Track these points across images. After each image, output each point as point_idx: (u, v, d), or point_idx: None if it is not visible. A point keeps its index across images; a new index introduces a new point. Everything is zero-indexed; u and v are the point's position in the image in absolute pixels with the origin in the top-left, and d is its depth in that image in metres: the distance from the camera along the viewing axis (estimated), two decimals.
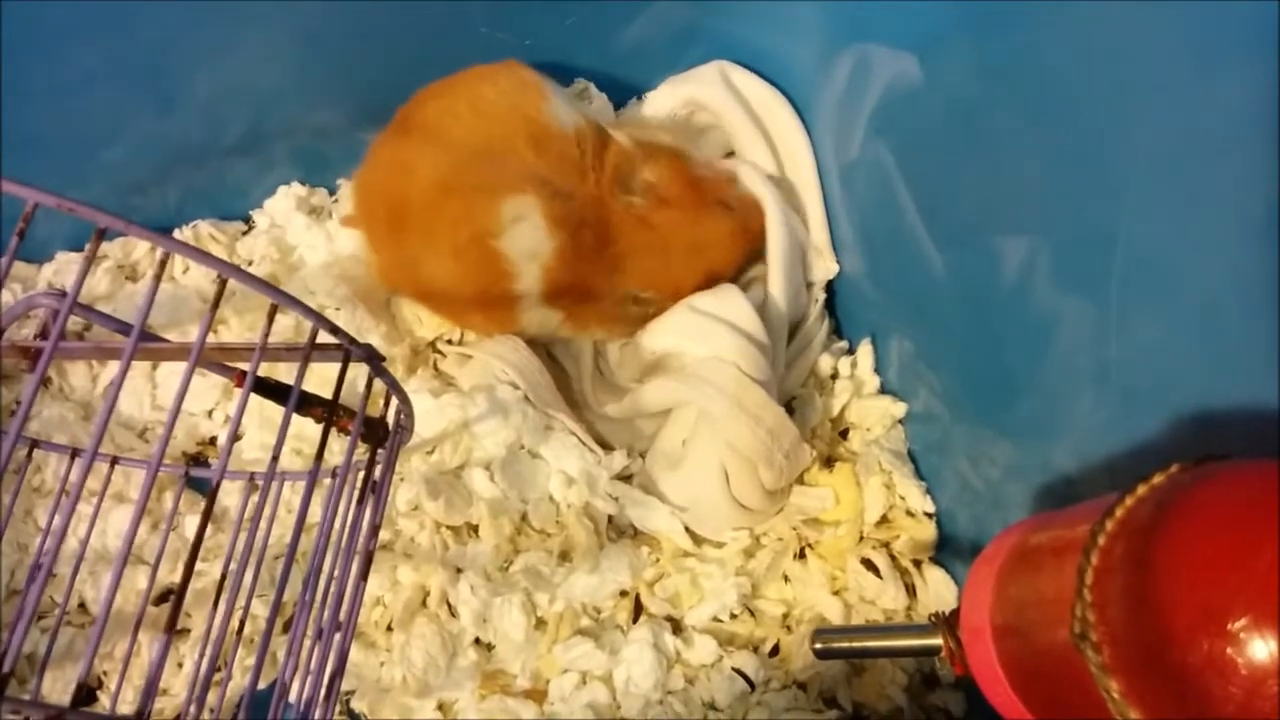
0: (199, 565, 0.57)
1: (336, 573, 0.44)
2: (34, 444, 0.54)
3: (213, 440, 0.61)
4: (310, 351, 0.39)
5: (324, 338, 0.39)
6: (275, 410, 0.59)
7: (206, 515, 0.36)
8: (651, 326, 0.59)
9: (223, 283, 0.36)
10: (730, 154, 0.66)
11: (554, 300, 0.56)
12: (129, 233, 0.33)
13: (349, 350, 0.40)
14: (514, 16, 0.62)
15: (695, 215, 0.57)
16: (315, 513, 0.57)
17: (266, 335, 0.37)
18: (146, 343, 0.43)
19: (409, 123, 0.57)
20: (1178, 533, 0.27)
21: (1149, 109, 0.36)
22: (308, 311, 0.37)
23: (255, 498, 0.57)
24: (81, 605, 0.56)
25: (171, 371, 0.61)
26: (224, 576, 0.52)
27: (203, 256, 0.34)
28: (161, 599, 0.57)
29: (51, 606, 0.55)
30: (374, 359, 0.41)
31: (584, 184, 0.55)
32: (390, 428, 0.46)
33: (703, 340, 0.56)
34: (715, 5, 0.64)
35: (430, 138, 0.55)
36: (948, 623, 0.39)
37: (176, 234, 0.66)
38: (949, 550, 0.56)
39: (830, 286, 0.65)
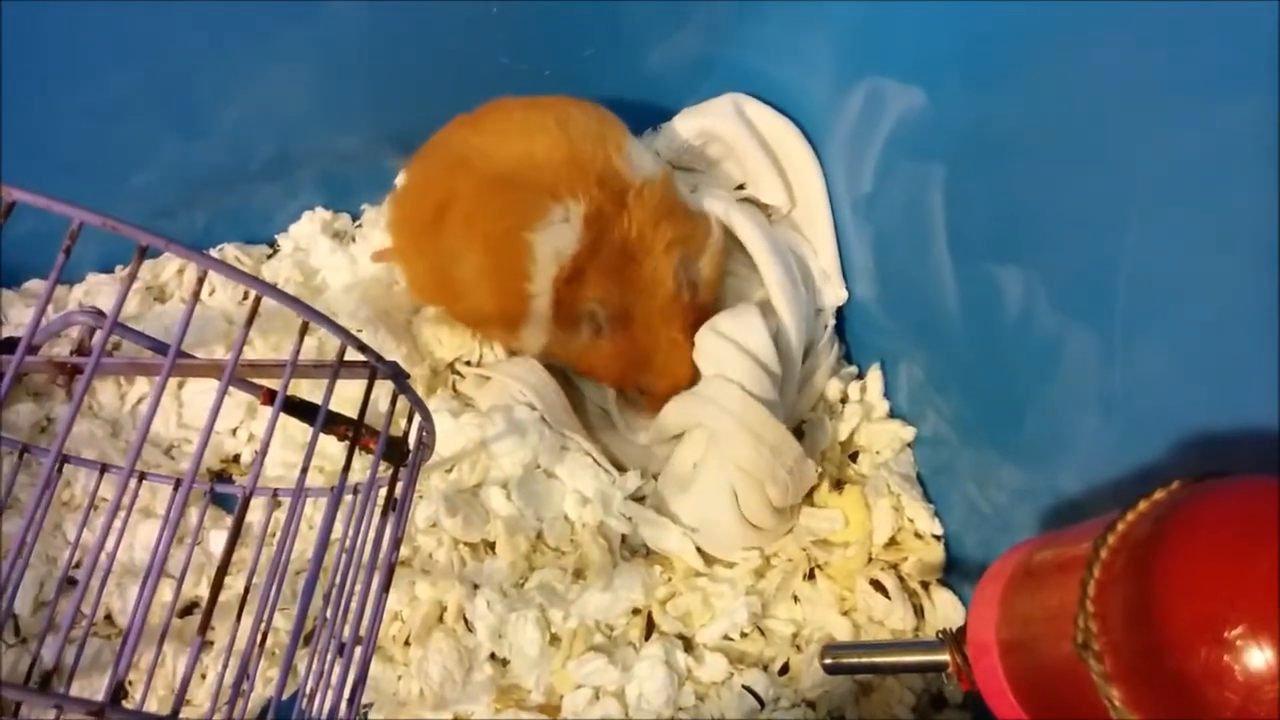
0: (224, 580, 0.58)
1: (358, 588, 0.45)
2: (64, 459, 0.56)
3: (236, 458, 0.62)
4: (339, 368, 0.40)
5: (351, 355, 0.40)
6: (297, 428, 0.60)
7: (237, 528, 0.37)
8: None
9: (257, 300, 0.37)
10: (741, 185, 0.68)
11: (555, 311, 0.58)
12: (169, 250, 0.35)
13: (375, 367, 0.41)
14: (534, 47, 0.64)
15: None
16: (336, 529, 0.58)
17: (298, 351, 0.39)
18: (182, 359, 0.44)
19: (478, 126, 0.59)
20: (1177, 545, 0.28)
21: (1152, 137, 0.38)
22: (336, 329, 0.39)
23: (277, 514, 0.58)
24: (108, 617, 0.57)
25: (197, 391, 0.62)
26: (247, 590, 0.53)
27: (239, 275, 0.36)
28: (186, 611, 0.58)
29: (79, 618, 0.56)
30: (400, 376, 0.43)
31: (625, 216, 0.57)
32: (413, 445, 0.47)
33: (713, 360, 0.58)
34: (730, 38, 0.66)
35: (500, 141, 0.57)
36: (955, 639, 0.39)
37: None
38: (957, 572, 0.57)
39: (841, 313, 0.66)
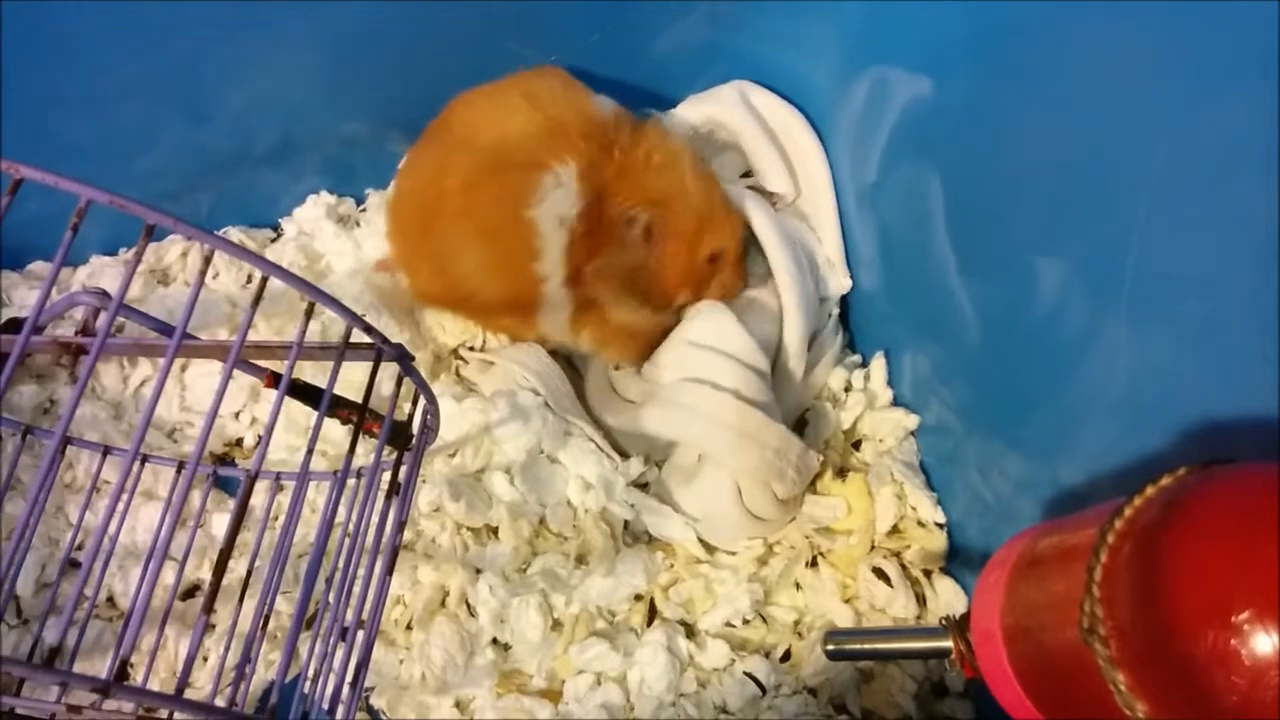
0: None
1: (361, 571, 0.45)
2: (66, 441, 0.56)
3: (239, 441, 0.62)
4: (345, 350, 0.40)
5: (357, 337, 0.40)
6: (300, 411, 0.60)
7: (240, 511, 0.37)
8: (653, 358, 0.60)
9: (263, 281, 0.37)
10: (747, 173, 0.68)
11: (570, 283, 0.57)
12: (176, 229, 0.35)
13: (381, 349, 0.41)
14: (540, 33, 0.64)
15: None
16: (339, 513, 0.58)
17: (303, 333, 0.38)
18: (186, 340, 0.44)
19: (448, 124, 0.59)
20: (1184, 531, 0.28)
21: (1161, 128, 0.37)
22: (342, 309, 0.38)
23: (280, 497, 0.58)
24: (110, 599, 0.57)
25: (200, 374, 0.62)
26: (250, 573, 0.53)
27: (244, 254, 0.36)
28: (188, 594, 0.58)
29: (82, 600, 0.56)
30: (405, 358, 0.43)
31: (611, 157, 0.57)
32: (417, 429, 0.47)
33: (699, 369, 0.57)
34: (736, 26, 0.66)
35: (473, 131, 0.57)
36: (958, 626, 0.40)
37: None
38: (959, 560, 0.57)
39: (845, 301, 0.66)
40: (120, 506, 0.56)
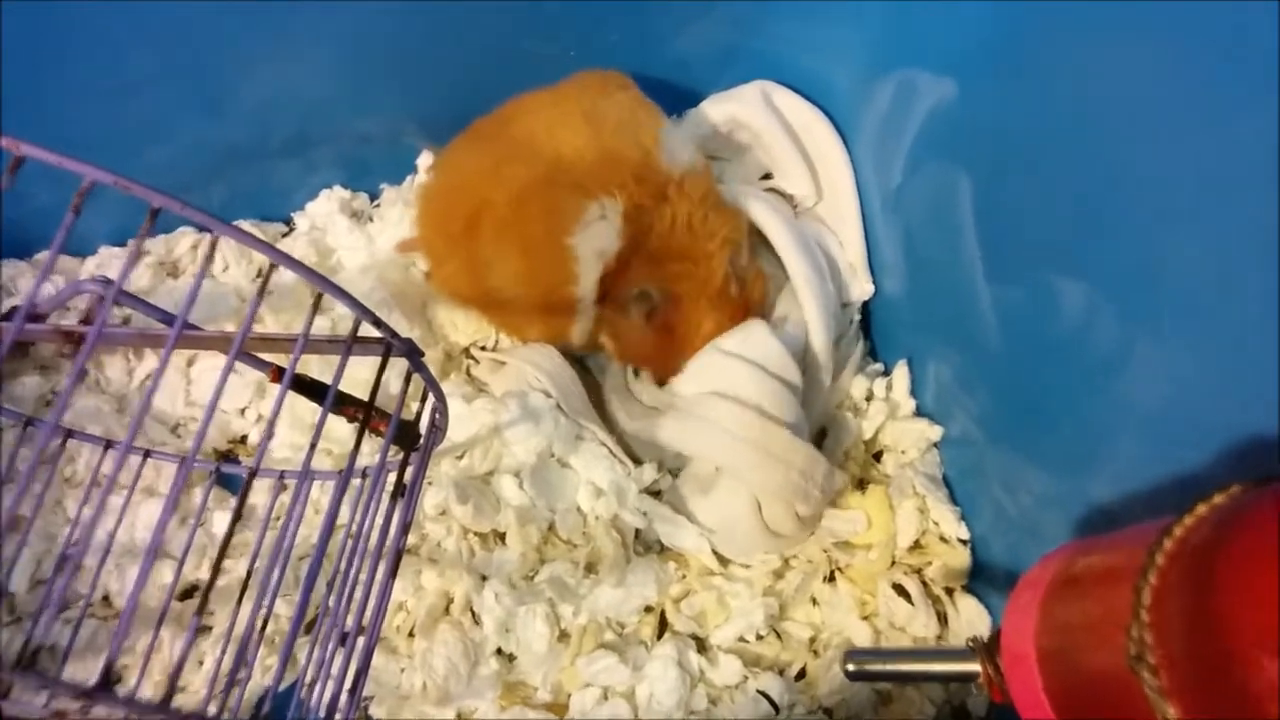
0: (225, 563, 0.56)
1: (363, 575, 0.43)
2: (68, 434, 0.55)
3: (244, 439, 0.61)
4: (352, 343, 0.39)
5: (366, 331, 0.39)
6: (305, 408, 0.59)
7: (239, 509, 0.36)
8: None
9: (270, 269, 0.36)
10: (767, 175, 0.66)
11: (600, 302, 0.57)
12: (183, 212, 0.33)
13: (390, 344, 0.40)
14: (558, 30, 0.63)
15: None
16: (342, 514, 0.56)
17: (310, 324, 0.37)
18: (189, 331, 0.43)
19: (507, 127, 0.57)
20: (1239, 551, 0.26)
21: (1199, 137, 0.36)
22: (351, 301, 0.37)
23: (283, 497, 0.57)
24: (106, 598, 0.56)
25: (206, 368, 0.61)
26: (249, 574, 0.52)
27: (254, 241, 0.34)
28: (186, 595, 0.56)
29: (76, 598, 0.55)
30: (414, 354, 0.41)
31: (664, 207, 0.56)
32: (425, 428, 0.46)
33: (724, 382, 0.55)
34: (757, 27, 0.65)
35: (531, 143, 0.56)
36: (986, 649, 0.38)
37: None
38: (982, 578, 0.55)
39: (866, 308, 0.64)
40: (119, 502, 0.55)
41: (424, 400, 0.45)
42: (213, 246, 0.35)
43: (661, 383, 0.60)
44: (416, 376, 0.42)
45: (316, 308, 0.37)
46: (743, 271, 0.58)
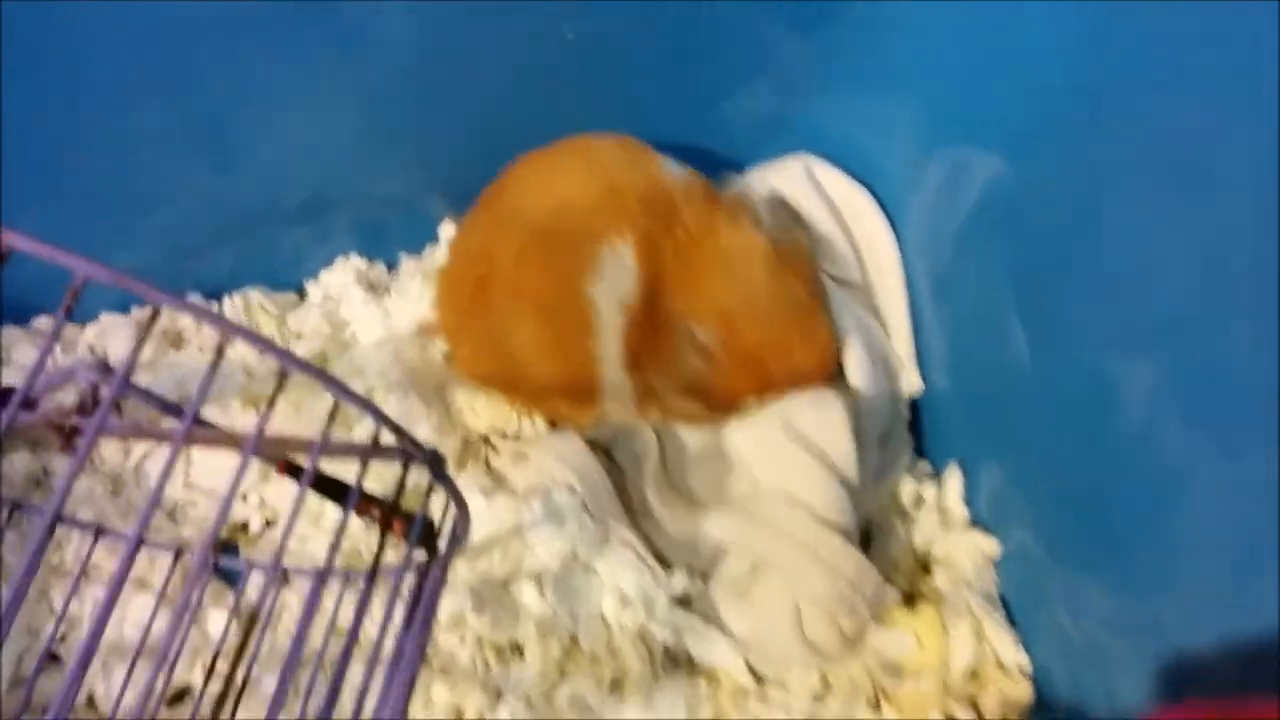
0: (217, 666, 0.52)
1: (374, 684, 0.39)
2: (58, 518, 0.50)
3: (245, 526, 0.57)
4: (371, 453, 0.35)
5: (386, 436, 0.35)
6: (311, 497, 0.55)
7: (250, 624, 0.32)
8: (735, 426, 0.54)
9: (282, 375, 0.32)
10: None
11: (630, 367, 0.53)
12: (190, 314, 0.30)
13: (410, 454, 0.36)
14: (593, 93, 0.60)
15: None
16: (343, 614, 0.52)
17: (327, 433, 0.34)
18: (196, 428, 0.39)
19: (502, 190, 0.55)
20: None
21: (1262, 226, 0.34)
22: (372, 410, 0.34)
23: (287, 594, 0.53)
24: (90, 700, 0.51)
25: (208, 450, 0.57)
26: (246, 681, 0.48)
27: (264, 344, 0.31)
28: (177, 698, 0.52)
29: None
30: (437, 465, 0.37)
31: (672, 235, 0.52)
32: (446, 541, 0.42)
33: (779, 467, 0.51)
34: (804, 98, 0.62)
35: (527, 199, 0.53)
36: None
37: (227, 301, 0.63)
38: (1043, 712, 0.50)
39: (913, 404, 0.60)
40: (101, 594, 0.51)
41: (445, 511, 0.41)
42: (220, 352, 0.32)
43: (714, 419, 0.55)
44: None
45: (334, 416, 0.34)
46: (777, 232, 0.54)
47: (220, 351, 0.32)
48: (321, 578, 0.42)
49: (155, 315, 0.31)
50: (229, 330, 0.31)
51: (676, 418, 0.56)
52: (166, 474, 0.31)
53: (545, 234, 0.51)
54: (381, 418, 0.34)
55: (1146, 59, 0.40)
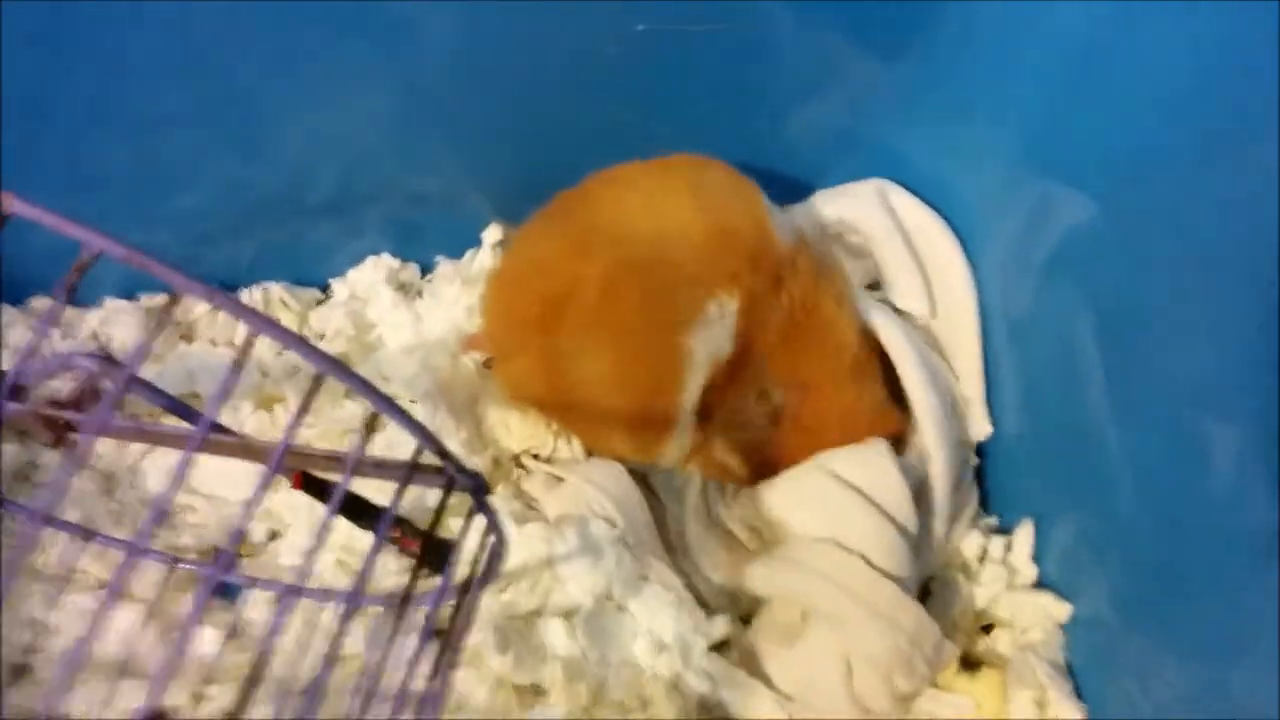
0: (208, 689, 0.48)
1: None
2: (44, 520, 0.46)
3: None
4: (411, 475, 0.31)
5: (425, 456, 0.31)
6: (317, 506, 0.50)
7: (262, 664, 0.28)
8: (775, 482, 0.51)
9: (318, 380, 0.28)
10: (874, 284, 0.58)
11: (701, 412, 0.50)
12: (212, 302, 0.26)
13: (454, 478, 0.32)
14: (652, 101, 0.56)
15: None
16: (354, 647, 0.48)
17: (362, 450, 0.29)
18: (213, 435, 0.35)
19: (594, 201, 0.50)
20: None
21: None
22: (415, 427, 0.29)
23: (290, 616, 0.48)
24: None
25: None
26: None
27: (299, 343, 0.27)
28: None
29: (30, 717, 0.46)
30: (480, 491, 0.33)
31: (777, 298, 0.49)
32: (480, 573, 0.37)
33: (829, 515, 0.48)
34: (880, 119, 0.57)
35: (626, 218, 0.48)
36: None
37: (245, 294, 0.59)
38: None
39: (981, 452, 0.56)
40: (87, 602, 0.46)
41: (484, 541, 0.36)
42: (246, 350, 0.27)
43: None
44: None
45: (371, 431, 0.29)
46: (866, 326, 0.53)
47: (247, 347, 0.28)
48: (348, 611, 0.37)
49: (174, 301, 0.26)
50: (258, 324, 0.26)
51: (715, 474, 0.53)
52: (176, 486, 0.27)
53: (642, 266, 0.47)
54: (426, 436, 0.30)
55: (1267, 104, 0.36)
